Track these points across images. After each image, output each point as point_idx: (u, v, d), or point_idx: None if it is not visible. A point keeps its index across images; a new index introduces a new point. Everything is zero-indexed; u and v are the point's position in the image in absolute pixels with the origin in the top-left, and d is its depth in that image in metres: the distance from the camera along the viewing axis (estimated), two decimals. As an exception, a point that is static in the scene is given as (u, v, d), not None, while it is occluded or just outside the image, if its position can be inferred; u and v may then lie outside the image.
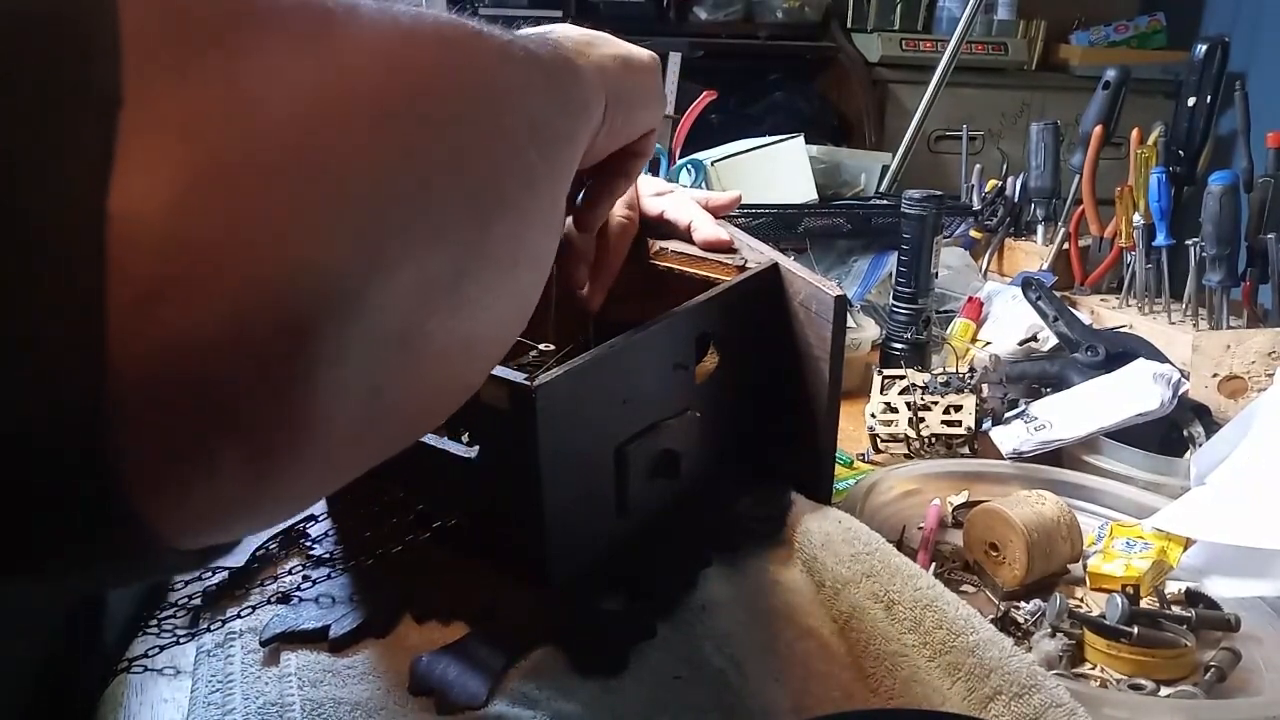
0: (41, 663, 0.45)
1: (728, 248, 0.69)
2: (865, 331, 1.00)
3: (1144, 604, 0.60)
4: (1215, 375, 0.86)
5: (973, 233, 1.31)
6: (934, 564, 0.67)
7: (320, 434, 0.21)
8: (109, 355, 0.17)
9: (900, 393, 0.84)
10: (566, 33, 0.43)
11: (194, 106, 0.18)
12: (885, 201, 1.24)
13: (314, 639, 0.51)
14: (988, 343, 1.05)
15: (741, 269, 0.65)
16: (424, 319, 0.24)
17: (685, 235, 0.70)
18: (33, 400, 0.16)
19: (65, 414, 0.17)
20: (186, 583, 0.56)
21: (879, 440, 0.84)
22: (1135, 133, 1.15)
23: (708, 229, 0.69)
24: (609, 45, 0.44)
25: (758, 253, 0.68)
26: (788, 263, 0.66)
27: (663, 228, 0.71)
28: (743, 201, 1.10)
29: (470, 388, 0.30)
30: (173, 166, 0.17)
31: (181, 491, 0.19)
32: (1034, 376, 0.91)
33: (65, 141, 0.16)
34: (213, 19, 0.19)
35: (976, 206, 1.30)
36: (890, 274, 1.09)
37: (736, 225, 0.79)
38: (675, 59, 1.95)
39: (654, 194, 0.73)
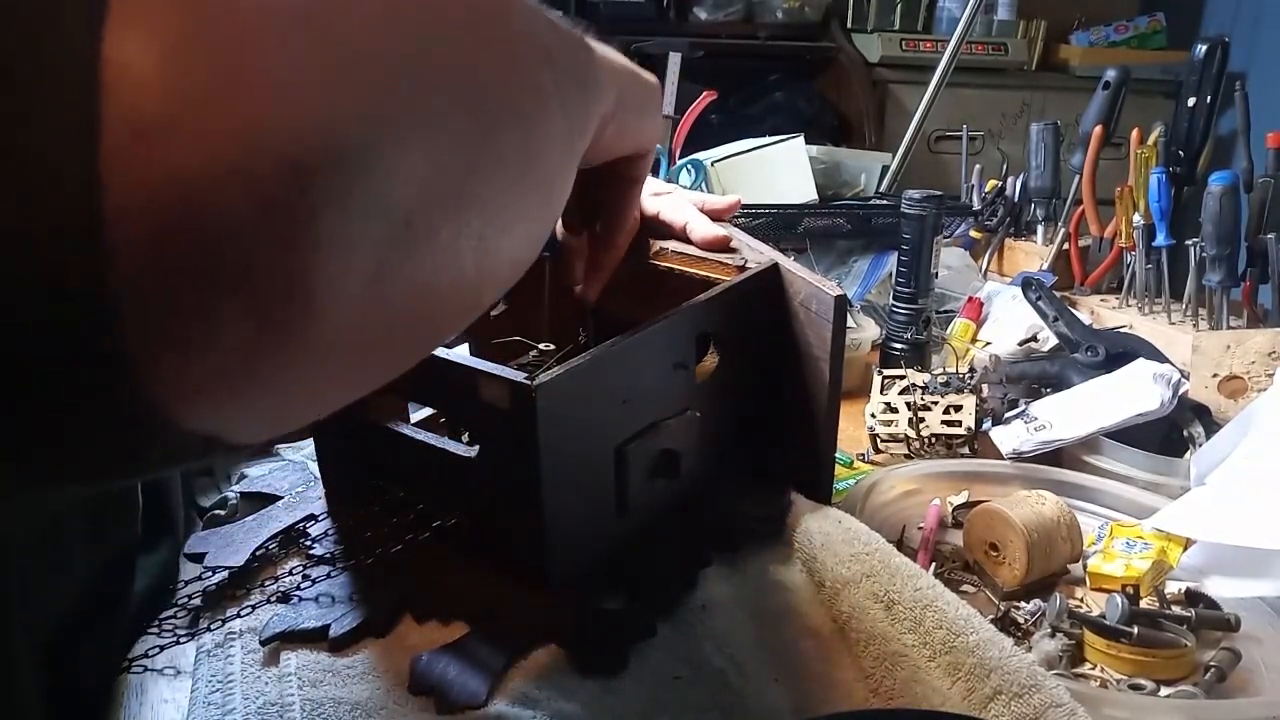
0: (41, 664, 0.45)
1: (725, 246, 0.69)
2: (865, 331, 1.00)
3: (1144, 604, 0.60)
4: (1215, 375, 0.86)
5: (973, 233, 1.31)
6: (934, 564, 0.67)
7: (321, 304, 0.20)
8: (105, 187, 0.16)
9: (900, 393, 0.84)
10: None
11: None
12: (885, 201, 1.24)
13: (314, 639, 0.51)
14: (988, 343, 1.05)
15: (742, 269, 0.65)
16: (430, 206, 0.23)
17: (681, 236, 0.70)
18: (33, 233, 0.16)
19: (65, 243, 0.16)
20: (187, 583, 0.56)
21: (879, 440, 0.84)
22: (1135, 133, 1.15)
23: (704, 229, 0.69)
24: (619, 56, 0.44)
25: (758, 253, 0.68)
26: (788, 263, 0.66)
27: (660, 228, 0.71)
28: (743, 201, 1.10)
29: (476, 307, 0.29)
30: (170, 13, 0.17)
31: (181, 343, 0.18)
32: (1034, 377, 0.91)
33: None
34: None
35: (976, 206, 1.30)
36: (890, 274, 1.09)
37: (736, 225, 0.80)
38: (675, 59, 1.94)
39: (652, 194, 0.73)
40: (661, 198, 0.73)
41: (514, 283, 0.31)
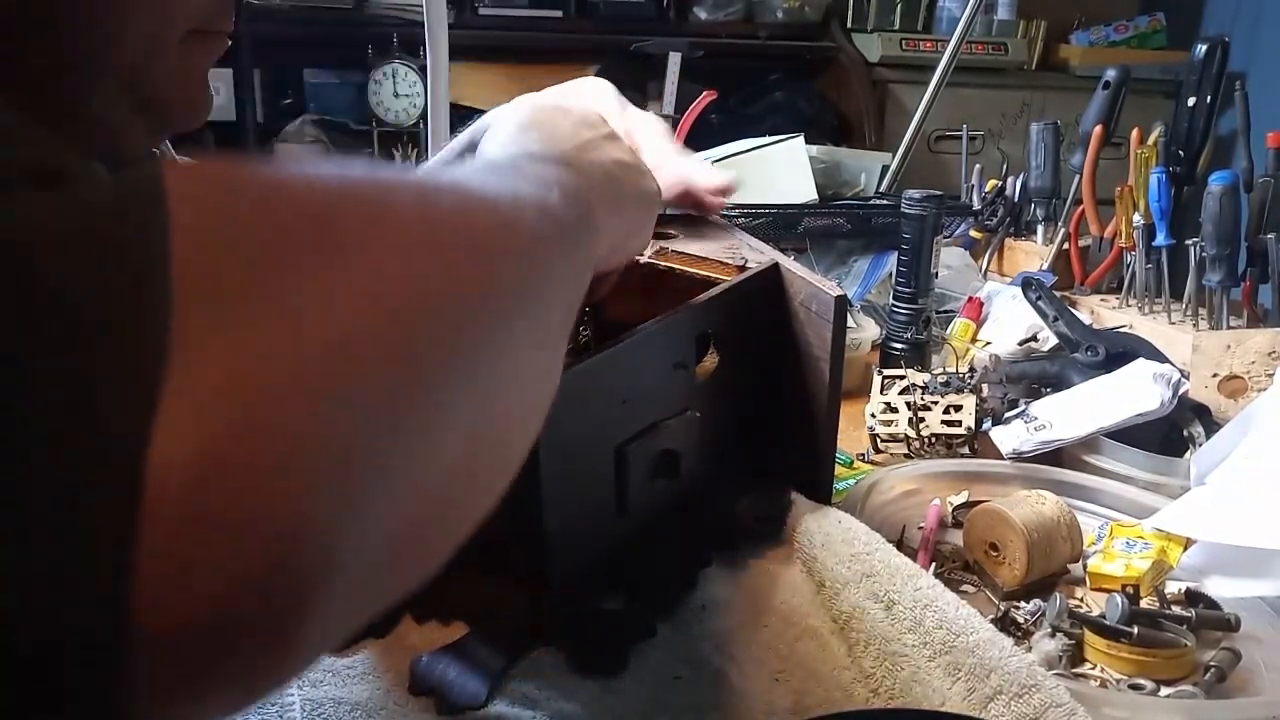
0: None
1: (730, 190, 0.70)
2: (865, 331, 0.99)
3: (1144, 604, 0.60)
4: (1215, 375, 0.86)
5: (973, 233, 1.31)
6: (934, 564, 0.67)
7: (310, 646, 0.23)
8: (133, 610, 0.18)
9: (900, 393, 0.84)
10: (586, 119, 0.46)
11: (225, 361, 0.20)
12: (885, 201, 1.24)
13: (314, 639, 0.51)
14: (988, 343, 1.05)
15: (742, 269, 0.65)
16: (415, 536, 0.26)
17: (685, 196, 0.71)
18: (67, 666, 0.18)
19: (91, 649, 0.18)
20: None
21: (879, 440, 0.84)
22: (1135, 133, 1.15)
23: (707, 179, 0.70)
24: (616, 157, 0.46)
25: (758, 252, 0.68)
26: (788, 263, 0.66)
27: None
28: (743, 201, 1.10)
29: (464, 533, 0.32)
30: (199, 428, 0.19)
31: (181, 711, 0.21)
32: (1034, 376, 0.91)
33: (113, 402, 0.18)
34: (241, 270, 0.21)
35: (976, 206, 1.30)
36: (890, 274, 1.09)
37: (736, 225, 0.80)
38: (675, 59, 1.95)
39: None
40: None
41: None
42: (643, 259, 0.69)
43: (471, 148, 0.52)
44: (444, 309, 0.25)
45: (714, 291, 0.61)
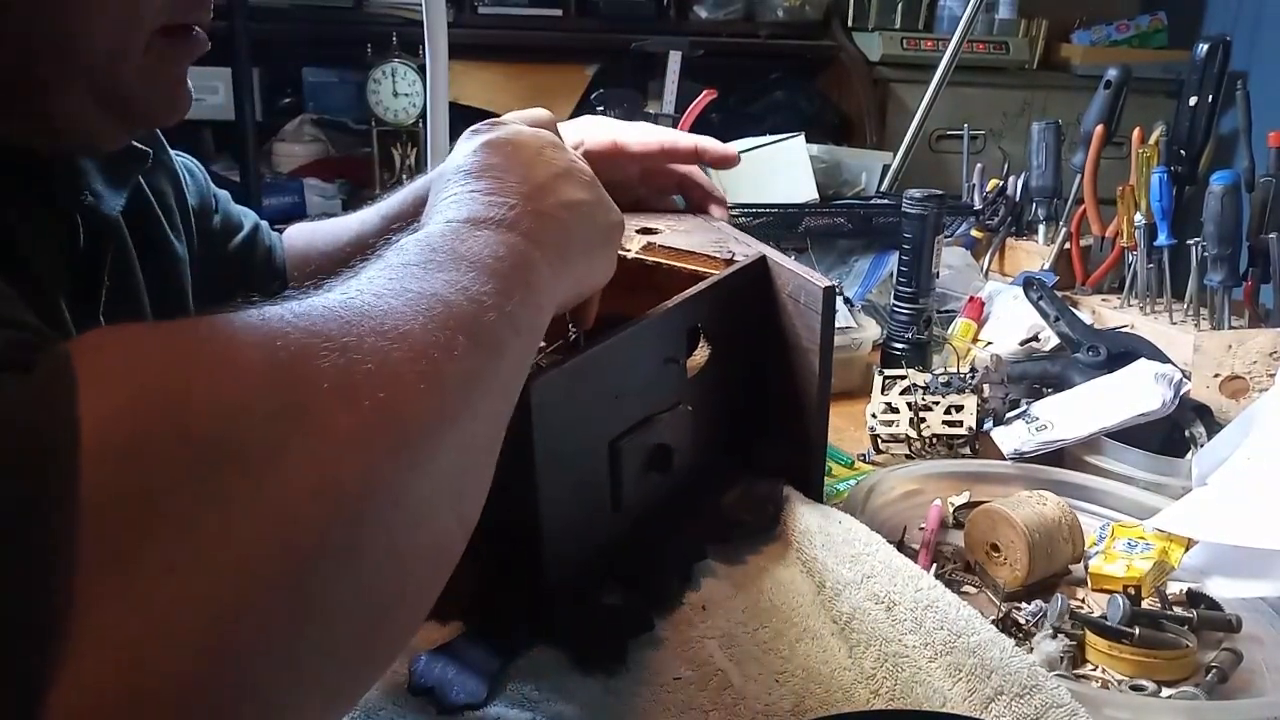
0: None
1: (734, 162, 0.74)
2: (866, 331, 0.99)
3: (1145, 605, 0.60)
4: (1217, 375, 0.86)
5: (974, 232, 1.31)
6: (935, 565, 0.66)
7: None
8: None
9: (901, 393, 0.84)
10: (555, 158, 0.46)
11: (127, 618, 0.21)
12: (886, 201, 1.24)
13: (312, 639, 0.51)
14: (989, 343, 1.05)
15: (729, 262, 0.65)
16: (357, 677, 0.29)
17: (692, 157, 0.76)
18: None
19: None
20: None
21: (880, 440, 0.83)
22: (1136, 132, 1.14)
23: (717, 146, 0.75)
24: (576, 193, 0.46)
25: (745, 245, 0.68)
26: (775, 255, 0.66)
27: (672, 156, 0.77)
28: (743, 201, 1.10)
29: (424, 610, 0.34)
30: (93, 689, 0.20)
31: None
32: (1035, 377, 0.91)
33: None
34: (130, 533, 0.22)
35: (978, 206, 1.30)
36: (891, 274, 1.09)
37: (736, 225, 0.80)
38: (675, 58, 1.95)
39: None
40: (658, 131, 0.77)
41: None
42: (630, 254, 0.69)
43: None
44: (346, 537, 0.26)
45: (702, 285, 0.61)
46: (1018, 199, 1.29)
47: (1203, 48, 1.11)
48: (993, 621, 0.53)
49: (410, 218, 0.80)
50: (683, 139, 0.77)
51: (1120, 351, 0.89)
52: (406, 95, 2.11)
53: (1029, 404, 0.82)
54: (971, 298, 1.11)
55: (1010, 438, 0.78)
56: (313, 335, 0.27)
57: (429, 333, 0.31)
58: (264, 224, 0.80)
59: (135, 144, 0.56)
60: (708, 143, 0.77)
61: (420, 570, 0.30)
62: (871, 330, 1.00)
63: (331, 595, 0.25)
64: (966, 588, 0.65)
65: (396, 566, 0.28)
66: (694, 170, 0.77)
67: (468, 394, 0.32)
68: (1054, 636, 0.58)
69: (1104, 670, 0.57)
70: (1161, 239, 1.10)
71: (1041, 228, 1.27)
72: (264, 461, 0.24)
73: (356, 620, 0.27)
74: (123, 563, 0.21)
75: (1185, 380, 0.81)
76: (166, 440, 0.23)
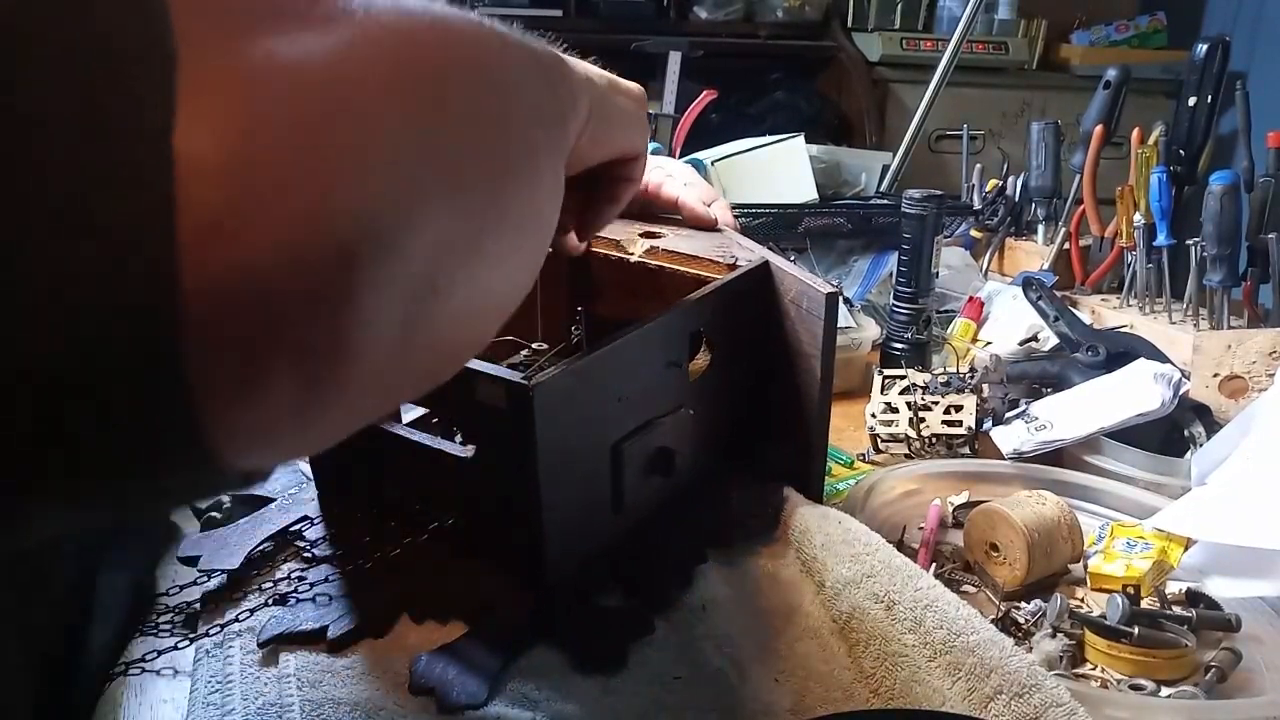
0: (38, 665, 0.45)
1: (711, 227, 0.73)
2: (866, 331, 0.99)
3: (1145, 604, 0.60)
4: (1216, 375, 0.86)
5: (973, 232, 1.31)
6: (934, 564, 0.66)
7: (359, 360, 0.23)
8: (179, 273, 0.19)
9: (901, 393, 0.84)
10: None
11: (241, 68, 0.20)
12: (886, 201, 1.24)
13: (312, 639, 0.51)
14: (988, 342, 1.05)
15: (732, 267, 0.65)
16: (451, 268, 0.27)
17: (671, 208, 0.75)
18: (116, 317, 0.19)
19: (144, 326, 0.19)
20: (182, 587, 0.56)
21: (879, 440, 0.83)
22: (1136, 132, 1.15)
23: (693, 206, 0.74)
24: (597, 70, 0.45)
25: (748, 250, 0.68)
26: (778, 260, 0.66)
27: (652, 201, 0.76)
28: (743, 201, 1.10)
29: (484, 339, 0.33)
30: (229, 118, 0.20)
31: (239, 401, 0.21)
32: (1034, 376, 0.91)
33: (134, 92, 0.18)
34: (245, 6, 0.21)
35: (977, 206, 1.30)
36: (891, 274, 1.09)
37: (737, 225, 0.80)
38: (675, 58, 1.95)
39: (653, 167, 0.75)
40: (661, 172, 0.76)
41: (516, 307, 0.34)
42: (633, 258, 0.69)
43: None
44: (465, 56, 0.27)
45: (705, 290, 0.61)
46: (1017, 199, 1.29)
47: (1202, 48, 1.11)
48: (992, 621, 0.53)
49: None
50: (664, 190, 0.76)
51: (1119, 351, 0.89)
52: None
53: (1028, 404, 0.82)
54: (971, 298, 1.11)
55: (1009, 437, 0.78)
56: None
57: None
58: None
59: None
60: (686, 201, 0.75)
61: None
62: (871, 330, 1.00)
63: (464, 125, 0.26)
64: (966, 587, 0.65)
65: (502, 175, 0.29)
66: (684, 202, 0.76)
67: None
68: (1053, 636, 0.58)
69: (1103, 669, 0.57)
70: (1161, 239, 1.10)
71: (1041, 228, 1.27)
72: None
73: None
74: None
75: (1184, 380, 0.81)
76: None
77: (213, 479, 0.23)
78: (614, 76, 0.46)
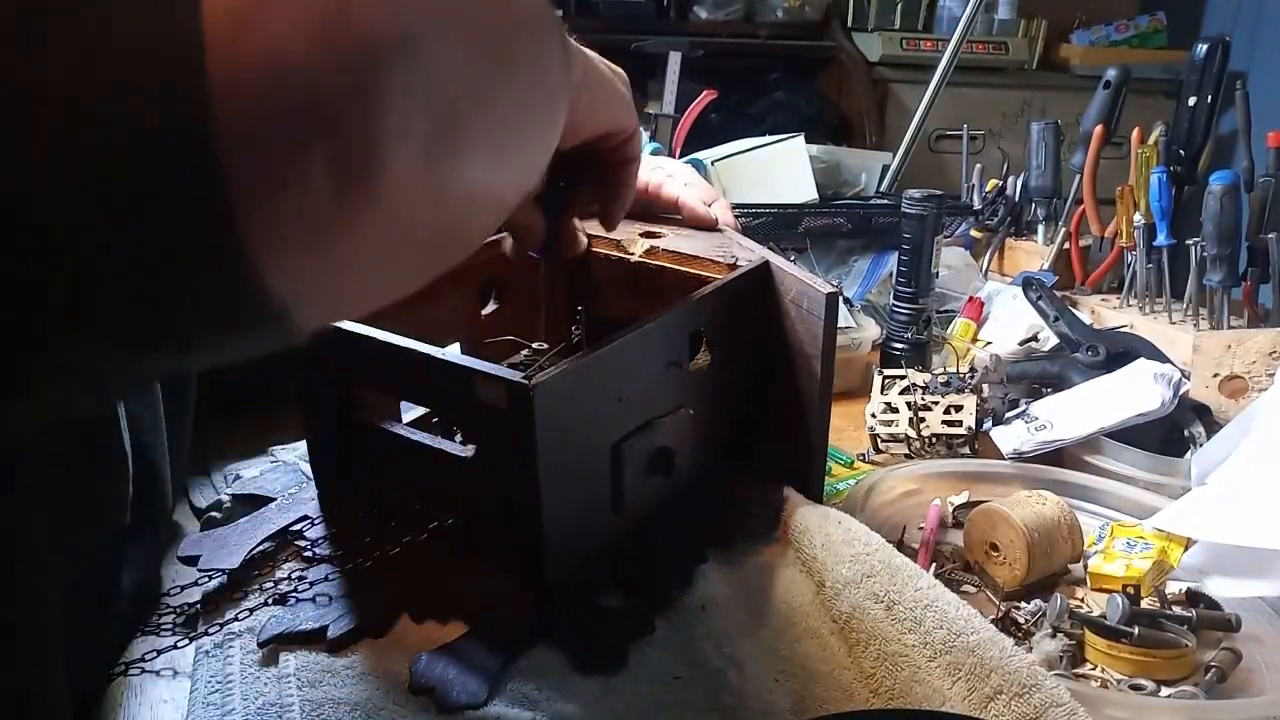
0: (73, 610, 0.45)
1: (711, 227, 0.73)
2: (866, 331, 0.99)
3: (1145, 604, 0.60)
4: (1216, 375, 0.86)
5: (973, 232, 1.31)
6: (934, 564, 0.66)
7: (389, 169, 0.24)
8: (211, 62, 0.19)
9: (901, 393, 0.84)
10: None
11: None
12: (886, 201, 1.24)
13: (312, 639, 0.51)
14: (988, 342, 1.05)
15: (733, 267, 0.65)
16: (469, 109, 0.27)
17: (671, 208, 0.75)
18: (148, 107, 0.19)
19: (176, 114, 0.19)
20: (183, 588, 0.56)
21: (879, 440, 0.83)
22: (1136, 132, 1.15)
23: (693, 207, 0.74)
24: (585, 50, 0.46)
25: (749, 250, 0.68)
26: (778, 260, 0.66)
27: (651, 202, 0.76)
28: (743, 201, 1.10)
29: (495, 218, 0.33)
30: None
31: (275, 199, 0.22)
32: (1034, 376, 0.91)
33: None
34: None
35: (977, 206, 1.30)
36: (891, 274, 1.09)
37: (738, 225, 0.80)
38: (675, 58, 1.95)
39: (655, 168, 0.75)
40: (661, 172, 0.76)
41: (513, 209, 0.34)
42: (634, 258, 0.69)
43: None
44: None
45: (706, 290, 0.61)
46: (1017, 199, 1.29)
47: (1202, 48, 1.11)
48: (992, 621, 0.53)
49: None
50: (665, 189, 0.76)
51: (1119, 351, 0.89)
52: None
53: (1028, 404, 0.82)
54: (971, 298, 1.11)
55: (1009, 437, 0.78)
56: None
57: None
58: None
59: None
60: (686, 201, 0.75)
61: None
62: (871, 330, 1.00)
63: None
64: (966, 587, 0.65)
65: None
66: (685, 202, 0.76)
67: None
68: (1053, 636, 0.58)
69: (1103, 669, 0.57)
70: (1161, 239, 1.10)
71: (1041, 228, 1.27)
72: None
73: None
74: None
75: (1184, 380, 0.81)
76: None
77: (249, 302, 0.23)
78: (600, 58, 0.47)
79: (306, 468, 0.66)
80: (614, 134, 0.50)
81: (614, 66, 0.49)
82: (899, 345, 0.96)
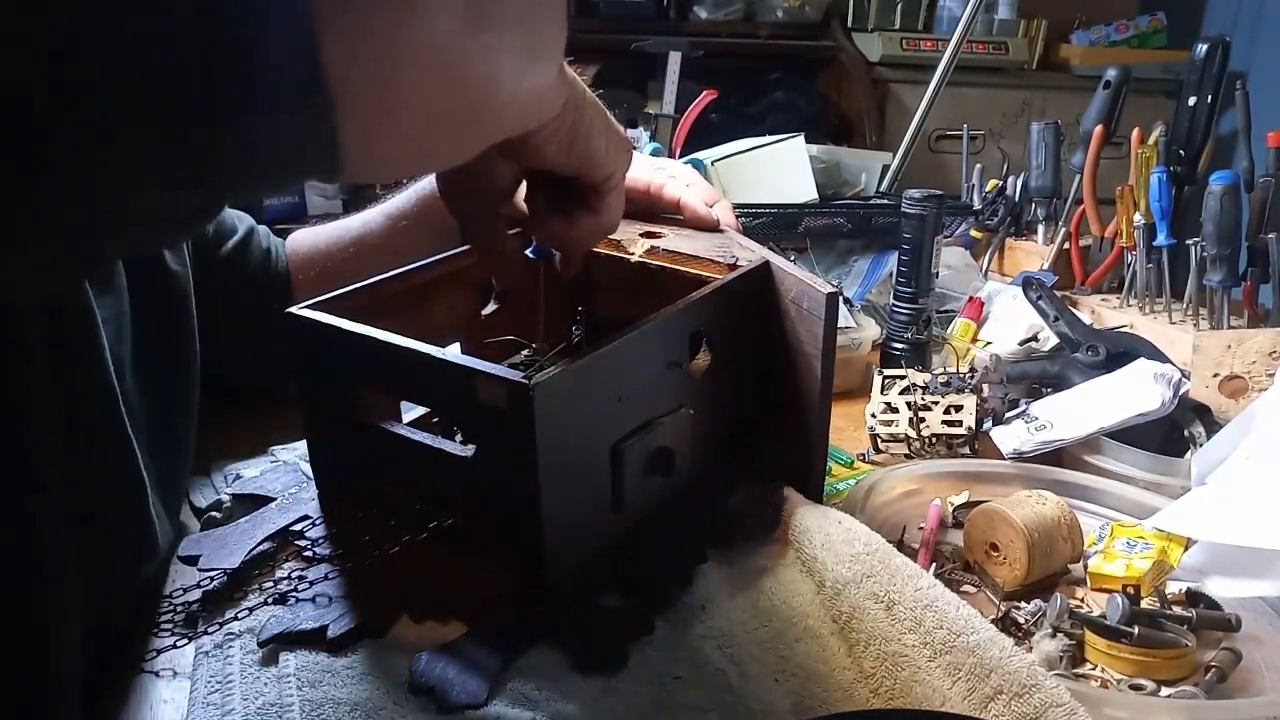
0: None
1: (713, 227, 0.73)
2: (866, 331, 0.99)
3: (1145, 604, 0.60)
4: (1216, 375, 0.86)
5: (973, 232, 1.31)
6: (934, 564, 0.66)
7: (429, 12, 0.28)
8: None
9: (901, 393, 0.84)
10: None
11: None
12: (886, 201, 1.24)
13: (312, 639, 0.51)
14: (988, 342, 1.05)
15: (732, 267, 0.65)
16: None
17: (673, 209, 0.76)
18: None
19: None
20: (185, 589, 0.56)
21: (879, 440, 0.83)
22: (1136, 132, 1.15)
23: (695, 207, 0.75)
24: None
25: (748, 250, 0.68)
26: (779, 260, 0.66)
27: (654, 203, 0.76)
28: (743, 201, 1.10)
29: (498, 124, 0.35)
30: None
31: None
32: (1035, 376, 0.91)
33: None
34: None
35: (977, 206, 1.30)
36: (891, 274, 1.09)
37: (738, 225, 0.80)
38: (675, 58, 1.95)
39: (655, 168, 0.76)
40: (663, 174, 0.76)
41: (527, 123, 0.37)
42: (633, 258, 0.69)
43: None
44: None
45: (706, 290, 0.61)
46: (1017, 199, 1.29)
47: (1202, 48, 1.12)
48: (992, 621, 0.53)
49: (414, 217, 0.80)
50: (667, 190, 0.76)
51: (1119, 351, 0.89)
52: (407, 96, 2.10)
53: (1028, 404, 0.82)
54: (971, 298, 1.11)
55: (1009, 437, 0.78)
56: None
57: None
58: (261, 228, 0.80)
59: None
60: (688, 202, 0.75)
61: None
62: (871, 330, 1.00)
63: None
64: (966, 587, 0.65)
65: None
66: (686, 203, 0.76)
67: None
68: (1053, 636, 0.58)
69: (1103, 669, 0.57)
70: (1161, 239, 1.10)
71: (1041, 228, 1.27)
72: None
73: None
74: None
75: (1184, 380, 0.81)
76: None
77: (304, 73, 0.25)
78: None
79: (306, 468, 0.66)
80: (597, 167, 0.49)
81: (617, 125, 0.50)
82: (899, 345, 0.96)
